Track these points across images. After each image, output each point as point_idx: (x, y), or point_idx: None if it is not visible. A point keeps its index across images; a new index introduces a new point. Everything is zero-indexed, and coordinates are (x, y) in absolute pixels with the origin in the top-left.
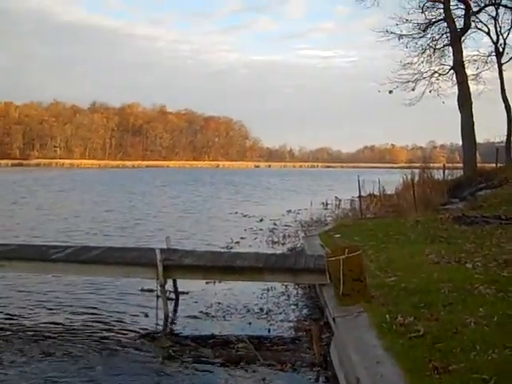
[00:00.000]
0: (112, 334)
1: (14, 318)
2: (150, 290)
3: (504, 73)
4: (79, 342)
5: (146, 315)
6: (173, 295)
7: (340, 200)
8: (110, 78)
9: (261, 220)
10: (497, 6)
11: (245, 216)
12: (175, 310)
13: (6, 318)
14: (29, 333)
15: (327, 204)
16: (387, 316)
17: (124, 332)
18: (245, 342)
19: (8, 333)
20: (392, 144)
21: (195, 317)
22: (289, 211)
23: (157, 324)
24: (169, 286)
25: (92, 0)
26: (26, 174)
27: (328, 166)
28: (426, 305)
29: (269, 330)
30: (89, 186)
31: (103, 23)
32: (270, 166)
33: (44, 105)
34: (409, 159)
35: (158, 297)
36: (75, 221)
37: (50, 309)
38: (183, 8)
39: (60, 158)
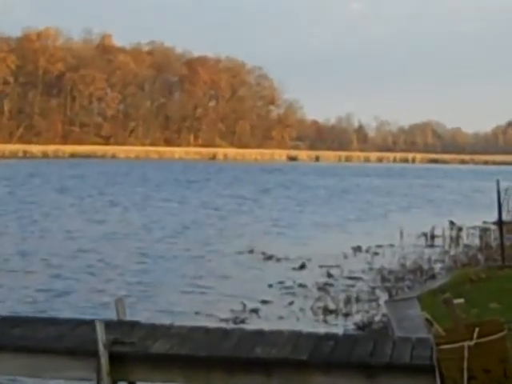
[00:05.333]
0: None
1: None
2: None
3: None
4: None
5: None
6: None
7: (460, 229)
8: None
9: (301, 266)
10: None
11: (268, 258)
12: None
13: None
14: None
15: (434, 236)
16: None
17: None
18: None
19: None
20: None
21: None
22: (356, 249)
23: None
24: None
25: None
26: None
27: (435, 160)
28: None
29: None
30: None
31: None
32: (317, 159)
33: None
34: None
35: None
36: None
37: None
38: None
39: None
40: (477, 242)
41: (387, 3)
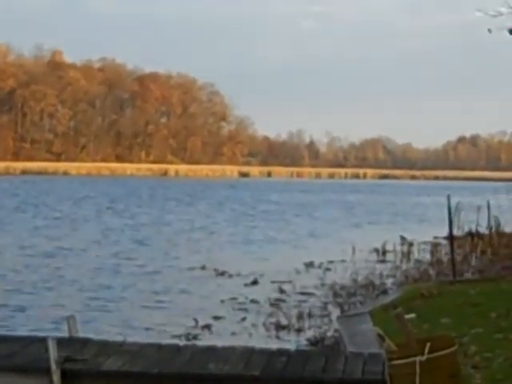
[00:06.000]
0: None
1: None
2: None
3: None
4: None
5: None
6: None
7: (411, 244)
8: None
9: (253, 282)
10: None
11: (221, 274)
12: None
13: None
14: None
15: (385, 252)
16: None
17: None
18: None
19: None
20: None
21: None
22: (309, 265)
23: None
24: None
25: None
26: None
27: (386, 176)
28: None
29: None
30: None
31: None
32: (269, 175)
33: None
34: None
35: None
36: None
37: None
38: None
39: None
40: (428, 257)
41: (337, 22)
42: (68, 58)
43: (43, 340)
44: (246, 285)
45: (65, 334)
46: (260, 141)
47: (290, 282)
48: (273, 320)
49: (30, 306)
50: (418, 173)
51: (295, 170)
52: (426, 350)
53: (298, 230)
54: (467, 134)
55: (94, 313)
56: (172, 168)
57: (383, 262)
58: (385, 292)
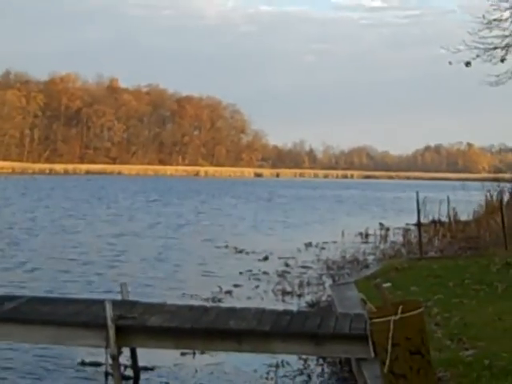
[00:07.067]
0: None
1: None
2: (96, 364)
3: None
4: None
5: None
6: (131, 372)
7: (388, 229)
8: (35, 35)
9: (265, 258)
10: None
11: (240, 251)
12: None
13: None
14: None
15: (367, 235)
16: None
17: None
18: None
19: None
20: (468, 143)
21: None
22: (308, 245)
23: None
24: (125, 357)
25: None
26: None
27: (368, 176)
28: None
29: None
30: None
31: None
32: (278, 175)
33: None
34: (494, 167)
35: (107, 374)
36: None
37: None
38: None
39: None
40: (401, 239)
41: (335, 57)
42: (122, 83)
43: (102, 302)
44: (259, 260)
45: (118, 297)
46: (271, 148)
47: (293, 258)
48: (280, 287)
49: (93, 275)
50: (393, 174)
51: (298, 171)
52: (399, 311)
53: (300, 217)
54: (432, 144)
55: (142, 280)
56: (202, 170)
57: (366, 243)
58: (367, 266)
